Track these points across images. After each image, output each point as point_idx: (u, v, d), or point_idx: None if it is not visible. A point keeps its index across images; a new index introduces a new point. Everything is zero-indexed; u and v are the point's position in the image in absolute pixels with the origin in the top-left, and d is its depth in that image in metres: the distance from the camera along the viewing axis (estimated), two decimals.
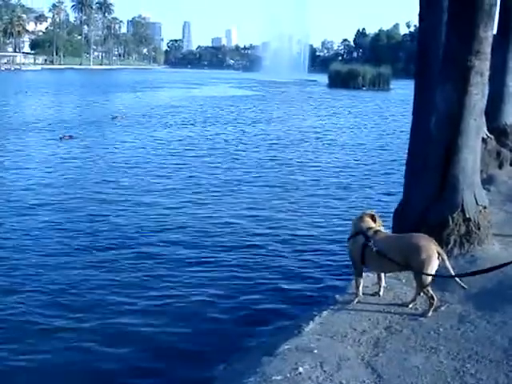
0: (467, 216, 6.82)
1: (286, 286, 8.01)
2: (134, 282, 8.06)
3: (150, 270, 8.56)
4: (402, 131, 25.74)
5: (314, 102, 48.67)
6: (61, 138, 22.47)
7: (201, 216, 11.55)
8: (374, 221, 5.59)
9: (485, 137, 7.55)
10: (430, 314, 5.27)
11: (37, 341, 6.37)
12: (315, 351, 4.61)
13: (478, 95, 6.68)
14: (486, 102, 6.97)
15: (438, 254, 5.24)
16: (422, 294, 5.36)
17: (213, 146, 21.88)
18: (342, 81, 74.74)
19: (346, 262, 6.53)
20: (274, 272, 8.62)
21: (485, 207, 7.01)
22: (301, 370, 4.37)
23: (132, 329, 6.69)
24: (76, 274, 8.34)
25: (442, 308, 5.51)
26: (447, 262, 5.33)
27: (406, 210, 7.28)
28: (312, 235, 10.43)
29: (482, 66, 6.59)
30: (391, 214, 7.70)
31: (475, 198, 6.92)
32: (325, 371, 4.37)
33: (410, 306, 5.45)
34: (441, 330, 5.02)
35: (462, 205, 6.81)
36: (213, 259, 9.08)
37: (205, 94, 58.11)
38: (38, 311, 7.12)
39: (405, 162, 7.71)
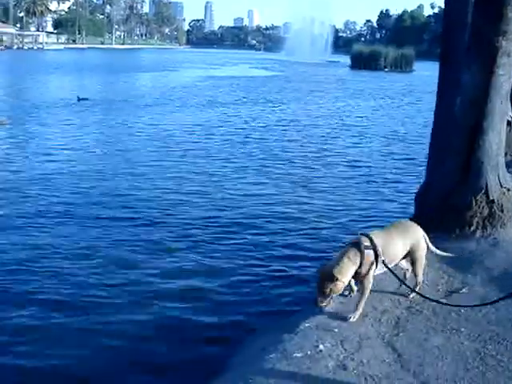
0: (491, 198, 6.78)
1: (306, 265, 8.00)
2: (143, 262, 8.07)
3: (163, 249, 8.62)
4: (424, 113, 25.45)
5: (336, 84, 48.28)
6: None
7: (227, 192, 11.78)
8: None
9: (510, 119, 7.44)
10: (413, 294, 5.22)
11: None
12: (336, 330, 4.65)
13: (505, 76, 6.59)
14: None
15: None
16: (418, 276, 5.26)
17: (231, 127, 21.78)
18: (364, 62, 73.92)
19: None
20: (294, 252, 8.63)
21: (508, 189, 6.95)
22: (321, 347, 4.41)
23: (152, 309, 6.73)
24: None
25: (464, 290, 5.51)
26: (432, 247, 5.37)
27: (428, 193, 7.25)
28: (330, 216, 10.42)
29: (510, 46, 6.49)
30: (412, 198, 7.70)
31: (499, 181, 6.87)
32: (345, 349, 4.41)
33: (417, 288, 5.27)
34: (462, 311, 5.01)
35: (486, 187, 6.77)
36: (236, 240, 9.12)
37: (226, 74, 57.87)
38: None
39: (428, 144, 7.65)
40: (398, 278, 4.98)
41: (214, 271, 7.77)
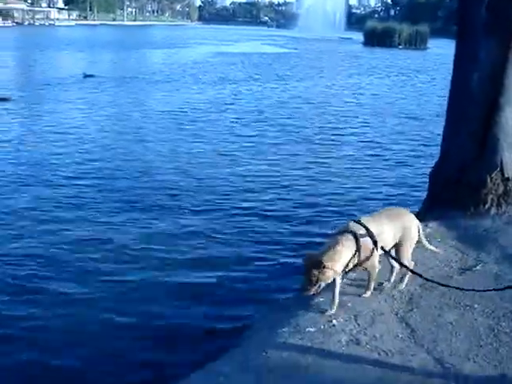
0: (506, 176, 6.72)
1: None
2: (152, 247, 7.92)
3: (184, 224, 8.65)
4: (439, 92, 25.16)
5: (349, 61, 47.81)
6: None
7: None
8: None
9: None
10: (403, 286, 5.03)
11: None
12: (349, 304, 4.66)
13: None
14: None
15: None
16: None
17: (244, 104, 21.67)
18: (377, 39, 72.98)
19: None
20: (307, 230, 8.63)
21: None
22: (334, 322, 4.43)
23: (170, 279, 6.79)
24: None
25: (478, 267, 5.49)
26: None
27: (442, 170, 7.19)
28: (343, 198, 10.38)
29: None
30: (426, 177, 7.66)
31: None
32: (359, 324, 4.42)
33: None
34: (476, 288, 5.00)
35: (501, 164, 6.71)
36: (247, 223, 9.05)
37: (238, 50, 57.45)
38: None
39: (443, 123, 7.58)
40: (402, 264, 4.81)
41: (228, 252, 7.78)
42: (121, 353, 5.37)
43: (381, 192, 10.69)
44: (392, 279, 5.05)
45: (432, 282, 4.66)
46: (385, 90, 28.19)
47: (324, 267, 4.20)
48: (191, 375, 4.11)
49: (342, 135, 16.13)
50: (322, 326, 4.35)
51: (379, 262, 4.73)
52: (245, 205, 9.59)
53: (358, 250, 4.39)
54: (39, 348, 5.41)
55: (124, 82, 27.42)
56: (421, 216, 6.90)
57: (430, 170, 7.61)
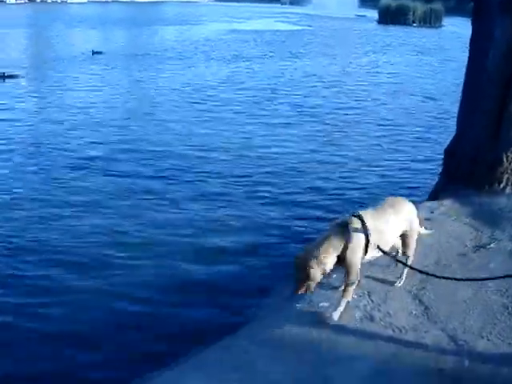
0: None
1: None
2: (163, 216, 8.03)
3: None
4: (454, 72, 24.85)
5: (363, 38, 47.28)
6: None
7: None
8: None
9: None
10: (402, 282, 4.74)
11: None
12: (363, 281, 4.66)
13: None
14: None
15: None
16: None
17: (257, 82, 21.50)
18: (391, 17, 72.04)
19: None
20: (322, 212, 8.60)
21: None
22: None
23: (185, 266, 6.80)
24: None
25: (492, 245, 5.47)
26: None
27: (458, 148, 7.15)
28: (358, 176, 10.35)
29: None
30: (441, 153, 7.62)
31: None
32: (372, 301, 4.44)
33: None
34: (490, 266, 4.99)
35: None
36: (261, 199, 9.10)
37: (251, 27, 56.92)
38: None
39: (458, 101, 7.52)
40: (402, 263, 4.56)
41: (243, 224, 7.79)
42: (132, 337, 5.37)
43: (395, 171, 10.65)
44: (404, 276, 4.74)
45: (427, 274, 4.41)
46: (400, 69, 27.86)
47: (312, 268, 3.91)
48: (209, 349, 4.14)
49: (357, 114, 16.02)
50: (336, 302, 4.36)
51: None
52: (255, 188, 9.51)
53: (346, 246, 4.03)
54: (46, 335, 5.41)
55: (135, 58, 27.33)
56: (435, 193, 6.90)
57: (445, 148, 7.57)
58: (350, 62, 29.36)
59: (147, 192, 9.21)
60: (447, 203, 6.44)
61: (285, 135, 13.20)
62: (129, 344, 5.28)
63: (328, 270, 4.01)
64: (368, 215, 4.21)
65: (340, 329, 4.09)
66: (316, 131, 13.67)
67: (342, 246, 4.01)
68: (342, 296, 4.22)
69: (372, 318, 4.22)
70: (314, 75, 23.89)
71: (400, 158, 11.56)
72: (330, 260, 3.98)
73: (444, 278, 4.43)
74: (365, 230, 4.09)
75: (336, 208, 8.67)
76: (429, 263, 5.04)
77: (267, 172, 10.39)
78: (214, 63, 26.85)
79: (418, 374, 3.69)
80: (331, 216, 8.29)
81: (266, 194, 9.29)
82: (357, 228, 4.08)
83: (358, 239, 4.07)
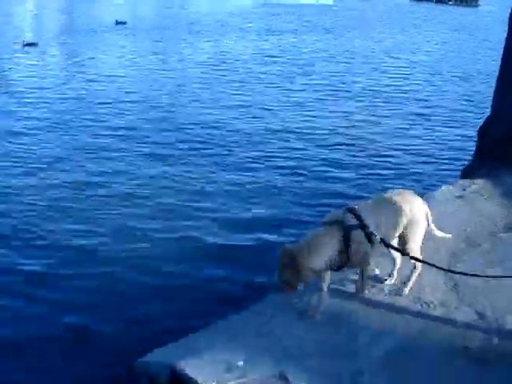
0: None
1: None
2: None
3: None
4: (492, 51, 24.32)
5: (397, 15, 46.48)
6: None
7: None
8: None
9: None
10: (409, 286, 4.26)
11: None
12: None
13: None
14: None
15: None
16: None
17: (290, 56, 21.31)
18: None
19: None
20: (351, 189, 8.54)
21: None
22: (377, 271, 4.44)
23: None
24: None
25: None
26: None
27: (493, 127, 7.05)
28: (392, 156, 10.24)
29: None
30: (475, 132, 7.52)
31: None
32: (401, 275, 4.41)
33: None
34: None
35: None
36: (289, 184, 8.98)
37: (283, 1, 56.19)
38: None
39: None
40: (416, 259, 4.08)
41: (276, 194, 7.73)
42: (160, 306, 5.42)
43: (429, 149, 10.54)
44: (395, 274, 4.35)
45: (431, 265, 4.04)
46: (436, 47, 27.37)
47: (298, 265, 3.54)
48: (236, 316, 4.18)
49: (393, 92, 15.78)
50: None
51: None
52: (286, 163, 9.45)
53: (346, 245, 3.65)
54: (68, 306, 5.48)
55: (160, 30, 27.19)
56: (468, 172, 6.83)
57: (479, 127, 7.47)
58: (385, 39, 28.92)
59: (171, 159, 9.26)
60: (479, 182, 6.36)
61: (317, 109, 13.10)
62: (156, 313, 5.36)
63: (317, 270, 3.66)
64: (364, 208, 3.84)
65: (369, 302, 4.09)
66: (348, 107, 13.54)
67: (337, 245, 3.63)
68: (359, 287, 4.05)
69: (400, 293, 4.22)
70: (348, 51, 23.59)
71: (434, 136, 11.45)
72: (322, 259, 3.62)
73: (452, 271, 4.17)
74: (363, 225, 3.70)
75: (371, 184, 8.66)
76: (459, 241, 5.00)
77: (297, 146, 10.35)
78: (245, 36, 26.65)
79: (444, 353, 3.67)
80: (361, 192, 8.29)
81: (294, 169, 9.26)
82: (352, 225, 3.70)
83: (358, 236, 3.70)
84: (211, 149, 10.02)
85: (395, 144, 10.78)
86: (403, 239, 4.06)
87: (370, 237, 3.73)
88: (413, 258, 4.04)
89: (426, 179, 8.78)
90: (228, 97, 14.01)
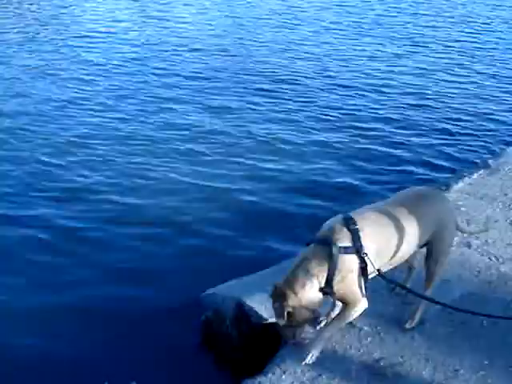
0: None
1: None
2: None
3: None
4: None
5: None
6: None
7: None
8: None
9: None
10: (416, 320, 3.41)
11: None
12: (463, 209, 4.58)
13: None
14: None
15: None
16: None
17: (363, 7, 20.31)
18: None
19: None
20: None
21: None
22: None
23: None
24: None
25: None
26: None
27: None
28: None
29: None
30: None
31: None
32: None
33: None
34: None
35: None
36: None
37: None
38: None
39: None
40: (413, 292, 3.21)
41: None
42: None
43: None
44: (418, 314, 3.39)
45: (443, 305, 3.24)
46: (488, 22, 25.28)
47: (287, 306, 2.81)
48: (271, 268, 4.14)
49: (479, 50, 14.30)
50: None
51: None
52: (354, 123, 8.57)
53: (332, 274, 2.80)
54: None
55: None
56: None
57: None
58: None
59: (245, 114, 8.92)
60: None
61: (395, 66, 12.27)
62: (220, 248, 5.15)
63: (312, 305, 2.86)
64: (366, 221, 2.90)
65: None
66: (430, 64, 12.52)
67: (324, 274, 2.81)
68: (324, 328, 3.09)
69: (469, 245, 4.16)
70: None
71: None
72: (311, 295, 2.83)
73: (461, 310, 3.16)
74: (357, 248, 2.81)
75: (451, 152, 7.41)
76: None
77: (373, 108, 9.43)
78: None
79: (509, 306, 3.61)
80: (442, 161, 7.05)
81: (369, 133, 8.45)
82: (346, 247, 2.81)
83: (349, 262, 2.82)
84: (275, 103, 9.47)
85: (481, 107, 9.39)
86: (426, 255, 3.24)
87: (365, 265, 2.83)
88: (417, 294, 3.19)
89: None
90: (298, 47, 13.62)
